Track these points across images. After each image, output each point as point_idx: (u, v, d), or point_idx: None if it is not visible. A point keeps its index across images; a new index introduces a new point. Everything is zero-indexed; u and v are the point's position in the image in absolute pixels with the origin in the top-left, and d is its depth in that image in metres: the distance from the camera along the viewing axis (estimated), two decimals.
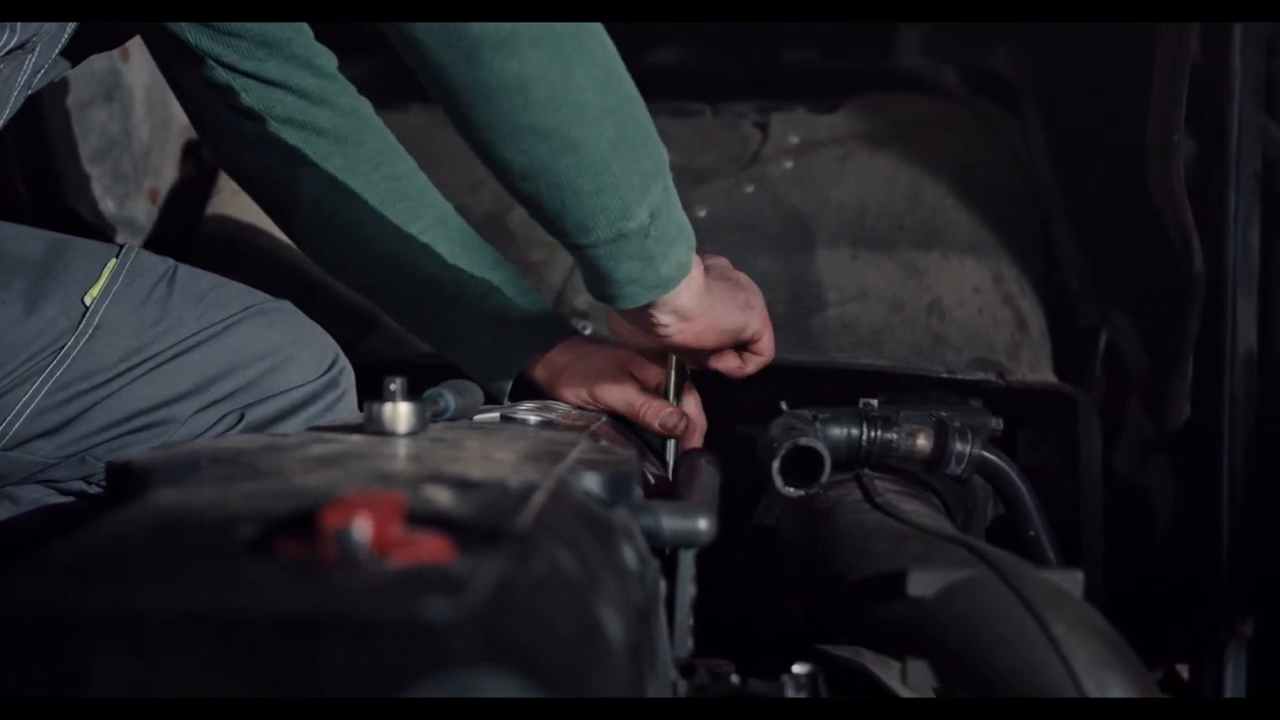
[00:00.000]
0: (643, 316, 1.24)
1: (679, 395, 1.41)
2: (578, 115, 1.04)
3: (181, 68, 1.39)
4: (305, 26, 1.44)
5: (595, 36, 1.04)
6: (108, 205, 1.99)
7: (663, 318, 1.24)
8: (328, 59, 1.47)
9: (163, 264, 1.35)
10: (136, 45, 2.01)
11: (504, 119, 1.02)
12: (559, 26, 1.00)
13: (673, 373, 1.41)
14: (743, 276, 1.34)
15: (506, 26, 0.97)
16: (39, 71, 1.21)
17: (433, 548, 0.65)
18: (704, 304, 1.25)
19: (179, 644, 0.55)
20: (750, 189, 1.91)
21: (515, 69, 0.99)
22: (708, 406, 1.44)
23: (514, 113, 1.01)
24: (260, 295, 1.38)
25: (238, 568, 0.63)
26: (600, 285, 1.19)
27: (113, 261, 1.31)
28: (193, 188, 2.13)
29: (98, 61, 1.94)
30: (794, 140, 1.97)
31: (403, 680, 0.55)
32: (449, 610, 0.58)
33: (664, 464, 1.40)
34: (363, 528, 0.63)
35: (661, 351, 1.38)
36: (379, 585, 0.60)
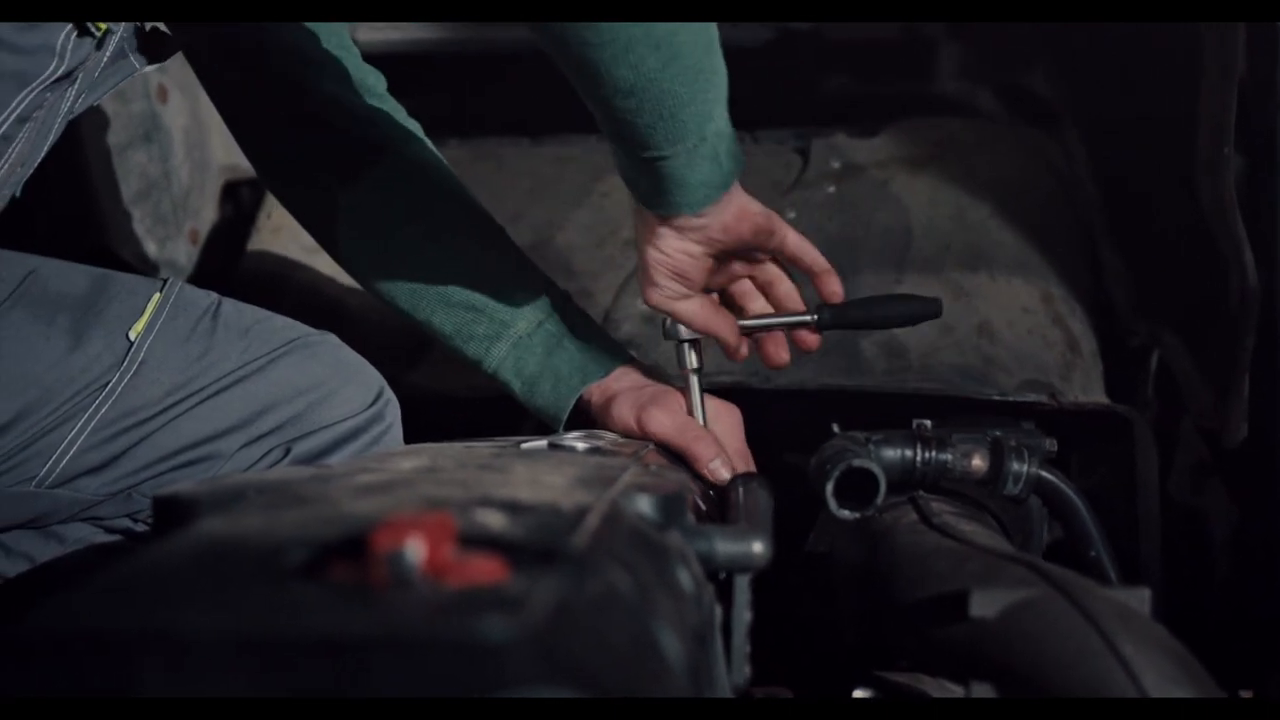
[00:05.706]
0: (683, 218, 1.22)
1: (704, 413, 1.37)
2: (682, 22, 1.06)
3: (226, 81, 1.39)
4: (354, 47, 1.45)
5: None
6: (149, 247, 1.99)
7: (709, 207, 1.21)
8: (377, 79, 1.47)
9: (207, 298, 1.35)
10: (173, 87, 2.02)
11: (620, 34, 1.04)
12: None
13: (694, 392, 1.37)
14: None
15: None
16: (80, 97, 1.20)
17: (487, 568, 0.63)
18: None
19: (226, 667, 0.54)
20: (792, 214, 1.89)
21: None
22: (757, 432, 1.42)
23: (631, 27, 1.04)
24: (304, 329, 1.38)
25: (287, 591, 0.61)
26: (672, 193, 1.17)
27: (156, 296, 1.31)
28: (232, 229, 2.14)
29: (136, 104, 1.95)
30: (835, 165, 1.96)
31: None
32: (507, 630, 0.56)
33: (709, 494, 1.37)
34: (416, 549, 0.62)
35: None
36: (434, 606, 0.59)
